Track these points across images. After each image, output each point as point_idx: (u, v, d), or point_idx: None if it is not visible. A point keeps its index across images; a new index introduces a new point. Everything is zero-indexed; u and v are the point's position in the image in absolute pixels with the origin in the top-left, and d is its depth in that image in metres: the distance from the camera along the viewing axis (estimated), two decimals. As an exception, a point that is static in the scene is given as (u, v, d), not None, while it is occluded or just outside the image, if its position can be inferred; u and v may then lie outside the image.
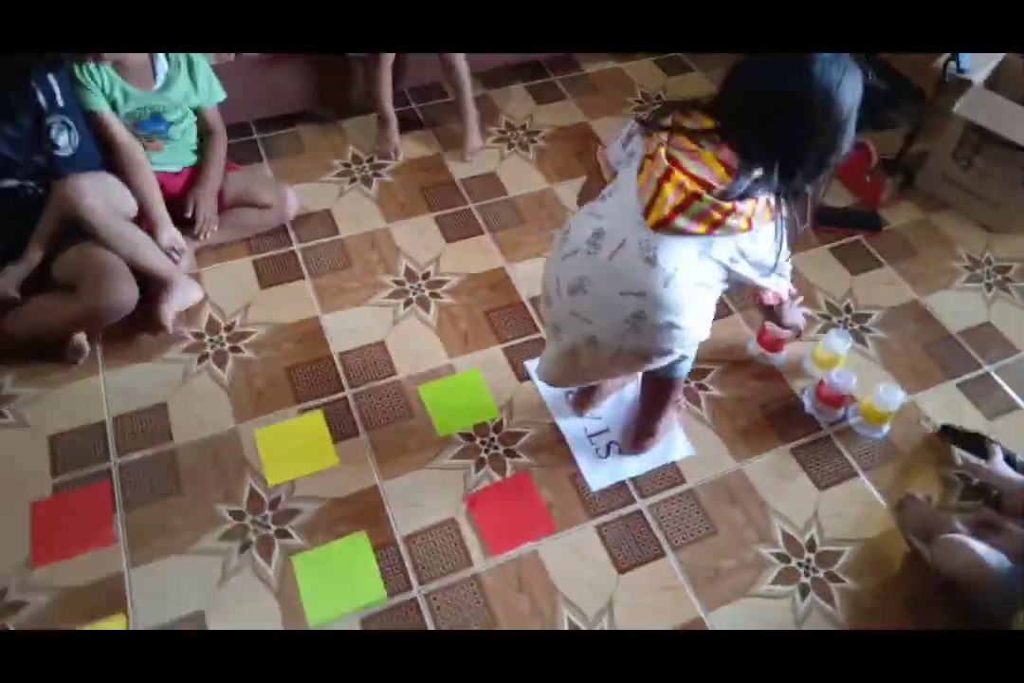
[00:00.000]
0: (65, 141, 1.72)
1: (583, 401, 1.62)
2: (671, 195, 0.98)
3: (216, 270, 1.94)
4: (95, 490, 1.49)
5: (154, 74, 1.80)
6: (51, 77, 1.65)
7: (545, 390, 1.70)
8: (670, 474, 1.56)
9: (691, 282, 1.04)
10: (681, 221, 0.99)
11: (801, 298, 1.36)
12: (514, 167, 2.27)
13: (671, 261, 1.03)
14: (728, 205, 0.97)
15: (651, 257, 1.03)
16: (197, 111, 1.92)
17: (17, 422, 1.60)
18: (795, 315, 1.33)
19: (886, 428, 1.63)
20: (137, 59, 1.76)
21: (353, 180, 2.20)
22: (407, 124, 2.35)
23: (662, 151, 1.00)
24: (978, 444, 1.53)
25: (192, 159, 1.95)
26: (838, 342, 1.68)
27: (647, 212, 1.02)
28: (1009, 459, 1.48)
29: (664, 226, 1.01)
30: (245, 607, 1.35)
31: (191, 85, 1.86)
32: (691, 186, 0.97)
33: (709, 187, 0.97)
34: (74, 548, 1.40)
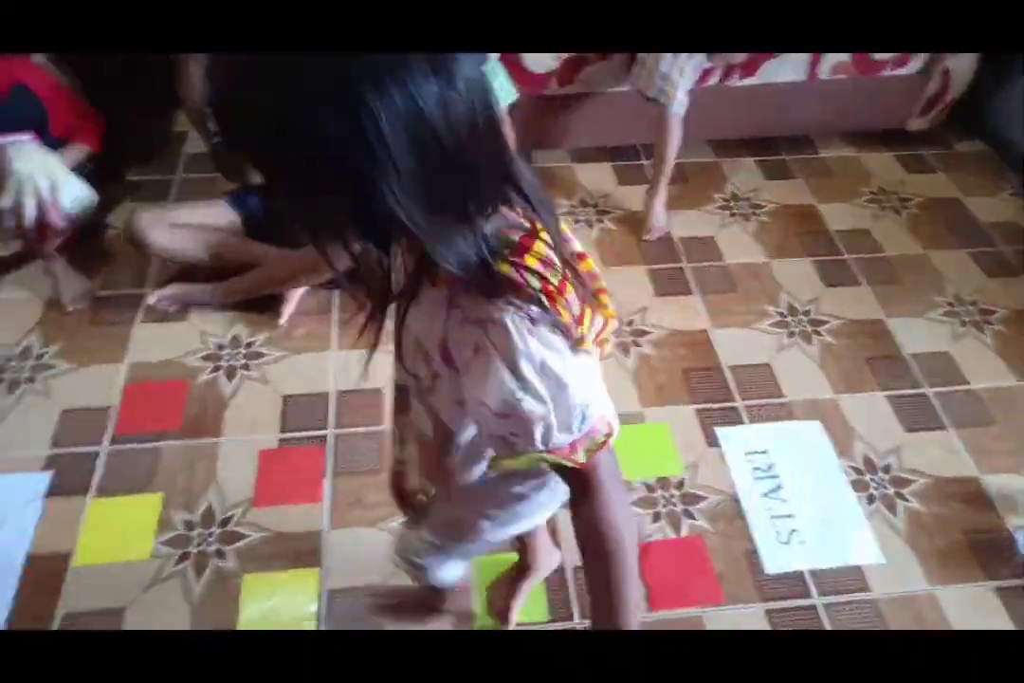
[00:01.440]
0: None
1: None
2: None
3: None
4: (312, 451, 1.66)
5: None
6: None
7: (732, 460, 1.72)
8: (854, 577, 1.52)
9: None
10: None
11: None
12: (732, 236, 2.32)
13: None
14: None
15: None
16: None
17: (261, 377, 1.81)
18: None
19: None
20: None
21: (578, 220, 2.32)
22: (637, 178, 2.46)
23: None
24: None
25: None
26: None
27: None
28: None
29: None
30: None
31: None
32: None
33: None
34: (287, 498, 1.56)
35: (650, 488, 1.66)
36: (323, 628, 1.39)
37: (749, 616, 1.46)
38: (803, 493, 1.65)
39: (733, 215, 2.39)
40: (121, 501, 1.55)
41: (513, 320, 0.60)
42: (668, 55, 2.05)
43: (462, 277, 0.59)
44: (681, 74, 2.07)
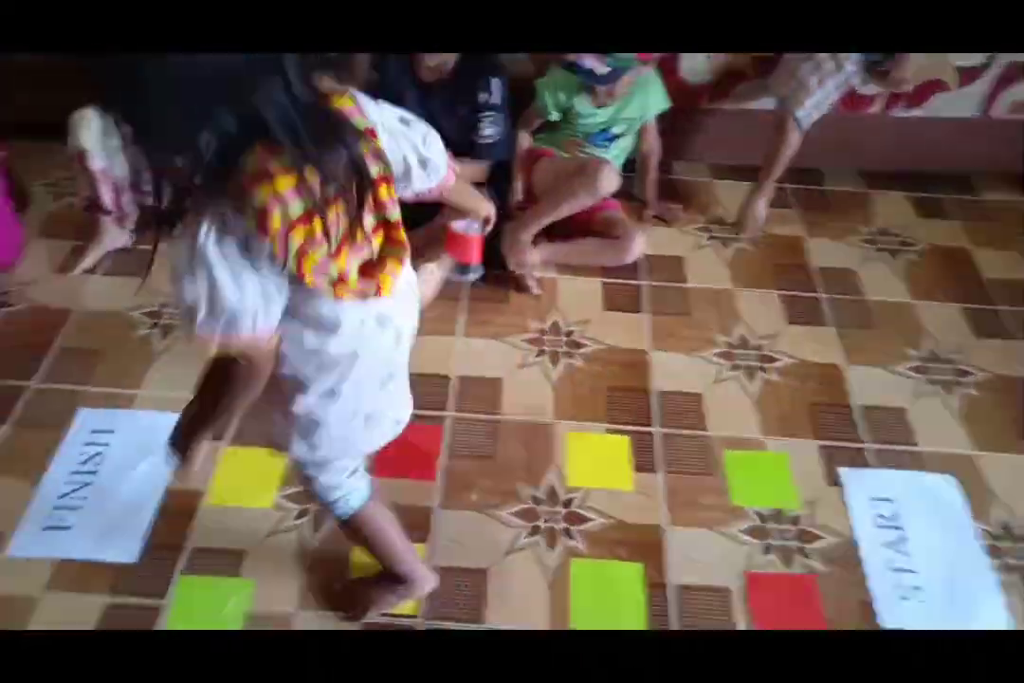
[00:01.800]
0: (489, 132, 1.96)
1: None
2: None
3: (570, 281, 2.09)
4: (430, 431, 1.67)
5: (613, 92, 1.98)
6: (494, 79, 1.91)
7: (855, 504, 1.63)
8: (976, 642, 1.42)
9: None
10: None
11: None
12: (876, 271, 2.22)
13: None
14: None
15: None
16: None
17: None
18: None
19: None
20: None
21: (712, 238, 2.27)
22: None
23: None
24: None
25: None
26: None
27: None
28: None
29: None
30: (520, 585, 1.44)
31: (644, 99, 2.03)
32: None
33: None
34: (403, 471, 1.59)
35: (762, 518, 1.60)
36: (425, 604, 1.39)
37: (858, 667, 1.37)
38: (930, 550, 1.55)
39: (879, 250, 2.28)
40: (252, 452, 1.61)
41: (209, 220, 0.74)
42: (810, 62, 1.98)
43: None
44: (819, 85, 2.00)
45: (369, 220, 0.85)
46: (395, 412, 1.11)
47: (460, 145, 1.98)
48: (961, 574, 1.52)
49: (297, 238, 0.76)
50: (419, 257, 1.92)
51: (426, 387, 1.77)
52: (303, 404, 0.96)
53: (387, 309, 0.93)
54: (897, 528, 1.59)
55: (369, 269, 0.88)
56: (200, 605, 1.37)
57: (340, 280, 0.84)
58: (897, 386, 1.89)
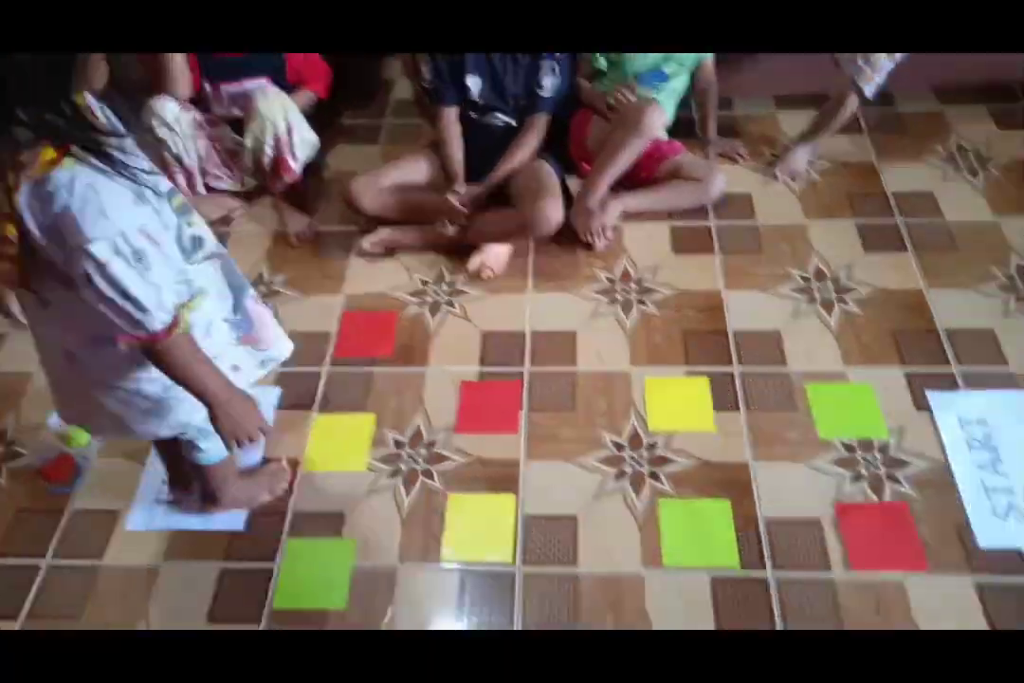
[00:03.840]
0: (549, 83, 1.95)
1: None
2: None
3: (637, 227, 2.09)
4: (509, 386, 1.73)
5: None
6: None
7: (945, 428, 1.61)
8: (1082, 560, 1.40)
9: None
10: None
11: None
12: (955, 192, 2.12)
13: None
14: None
15: None
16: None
17: (462, 314, 1.91)
18: None
19: None
20: None
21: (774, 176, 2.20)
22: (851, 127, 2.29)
23: None
24: None
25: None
26: None
27: None
28: None
29: None
30: (611, 527, 1.50)
31: None
32: None
33: None
34: (487, 427, 1.66)
35: (849, 448, 1.60)
36: (519, 550, 1.47)
37: (957, 586, 1.38)
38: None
39: (957, 169, 2.18)
40: (340, 418, 1.71)
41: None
42: None
43: None
44: (890, 59, 1.90)
45: None
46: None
47: (521, 99, 1.99)
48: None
49: None
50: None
51: (502, 344, 1.83)
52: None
53: None
54: (991, 449, 1.56)
55: None
56: (307, 565, 1.44)
57: None
58: (984, 307, 1.82)
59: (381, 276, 2.00)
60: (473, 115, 2.04)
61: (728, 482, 1.55)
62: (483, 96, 1.99)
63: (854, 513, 1.48)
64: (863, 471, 1.55)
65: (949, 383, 1.69)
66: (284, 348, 1.28)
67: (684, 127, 2.24)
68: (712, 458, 1.59)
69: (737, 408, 1.68)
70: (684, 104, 2.22)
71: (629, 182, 2.04)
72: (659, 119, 1.93)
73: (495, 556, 1.45)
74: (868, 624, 1.35)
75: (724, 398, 1.70)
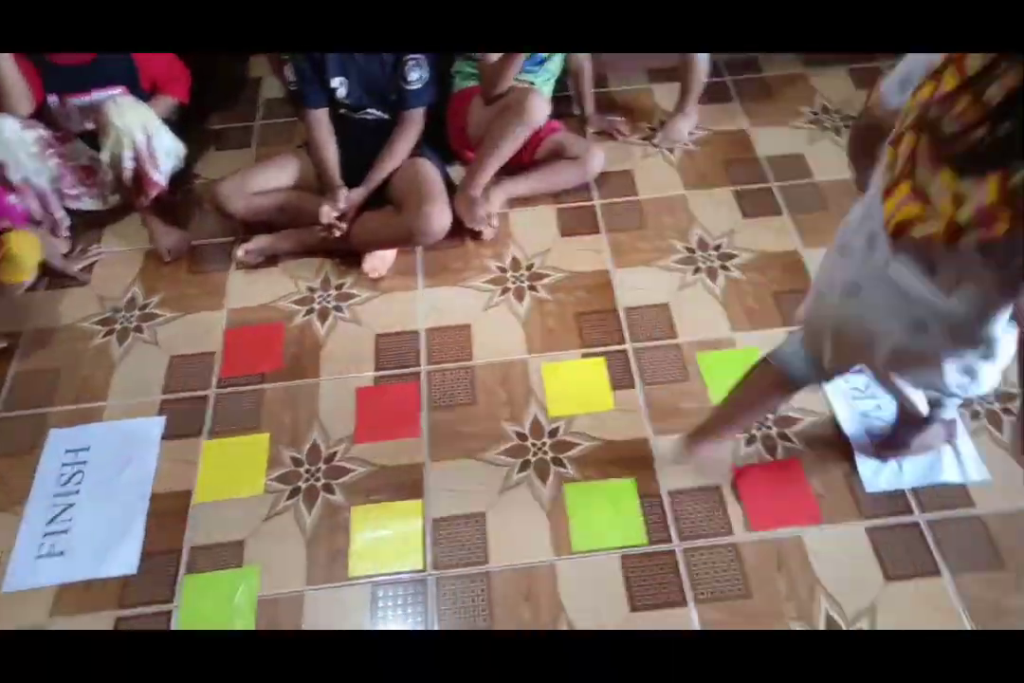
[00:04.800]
0: (415, 76, 1.91)
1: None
2: (897, 203, 0.80)
3: (523, 213, 2.08)
4: (407, 388, 1.71)
5: None
6: None
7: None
8: (958, 494, 1.49)
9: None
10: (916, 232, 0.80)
11: None
12: (823, 150, 2.19)
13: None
14: None
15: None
16: None
17: (353, 318, 1.86)
18: None
19: None
20: None
21: (656, 146, 2.23)
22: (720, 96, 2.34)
23: (910, 140, 0.78)
24: None
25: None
26: None
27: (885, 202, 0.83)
28: None
29: (899, 236, 0.83)
30: (519, 519, 1.50)
31: None
32: (914, 209, 0.78)
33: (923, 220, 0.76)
34: (387, 433, 1.63)
35: (744, 413, 1.63)
36: (429, 555, 1.45)
37: (850, 536, 1.45)
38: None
39: (824, 129, 2.25)
40: (232, 441, 1.64)
41: None
42: None
43: None
44: None
45: None
46: None
47: (391, 94, 1.94)
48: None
49: None
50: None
51: (397, 345, 1.79)
52: None
53: None
54: (872, 397, 1.63)
55: None
56: (209, 600, 1.39)
57: None
58: (857, 262, 1.89)
59: (264, 287, 1.93)
60: (344, 113, 1.98)
61: (631, 459, 1.57)
62: (351, 95, 1.93)
63: (750, 475, 1.53)
64: (756, 432, 1.60)
65: (829, 339, 1.75)
66: None
67: (561, 106, 2.24)
68: (614, 437, 1.61)
69: (633, 385, 1.70)
70: (560, 82, 2.21)
71: (510, 165, 2.02)
72: (544, 107, 1.92)
73: (405, 565, 1.44)
74: (771, 580, 1.39)
75: (620, 376, 1.71)
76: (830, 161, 2.15)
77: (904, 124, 0.80)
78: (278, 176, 1.97)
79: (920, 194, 0.77)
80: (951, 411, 1.27)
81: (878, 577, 1.39)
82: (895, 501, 1.49)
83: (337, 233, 1.87)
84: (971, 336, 0.92)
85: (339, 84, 1.92)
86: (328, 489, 1.56)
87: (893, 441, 1.50)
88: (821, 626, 1.34)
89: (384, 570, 1.44)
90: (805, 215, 2.03)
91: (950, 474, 1.51)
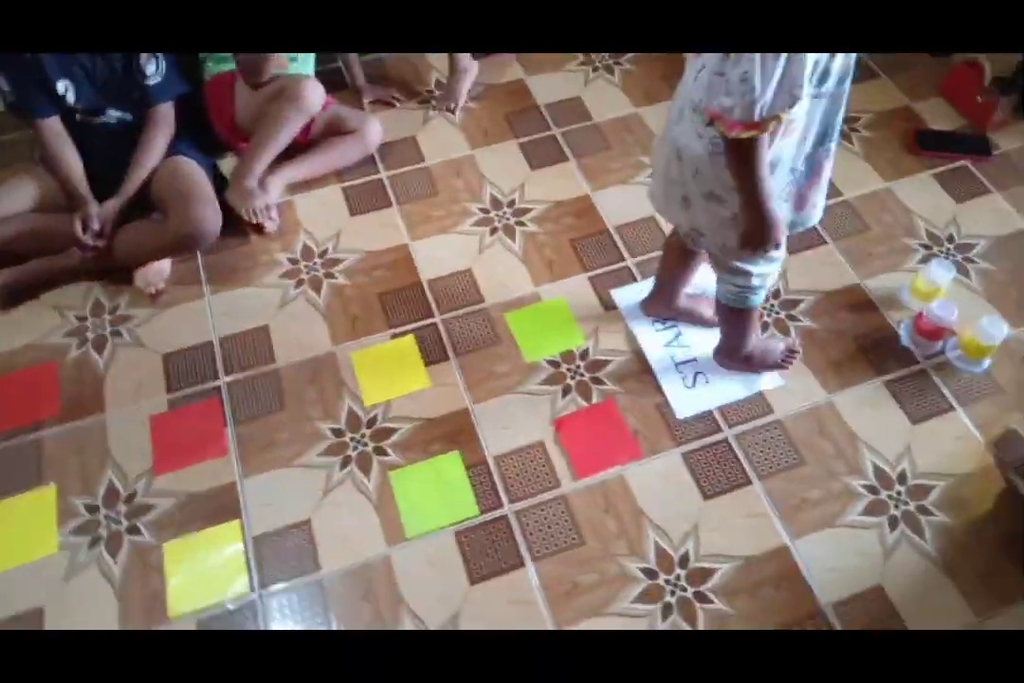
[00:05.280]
0: (152, 69, 1.75)
1: (654, 304, 1.64)
2: None
3: (307, 197, 1.97)
4: (207, 406, 1.59)
5: None
6: None
7: (631, 318, 1.70)
8: (758, 404, 1.56)
9: None
10: None
11: None
12: (599, 91, 2.20)
13: None
14: None
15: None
16: None
17: (133, 341, 1.71)
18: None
19: (987, 363, 1.57)
20: None
21: (436, 109, 2.17)
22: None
23: None
24: None
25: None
26: (940, 273, 1.61)
27: None
28: None
29: None
30: (348, 518, 1.44)
31: None
32: None
33: None
34: (191, 458, 1.51)
35: (555, 364, 1.64)
36: (255, 576, 1.37)
37: (669, 464, 1.49)
38: (701, 334, 1.65)
39: (596, 69, 2.26)
40: (12, 502, 1.47)
41: None
42: None
43: None
44: None
45: None
46: None
47: (131, 92, 1.76)
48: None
49: None
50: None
51: (189, 362, 1.67)
52: None
53: None
54: (672, 327, 1.67)
55: None
56: None
57: None
58: (641, 197, 1.91)
59: (25, 325, 1.74)
60: (81, 118, 1.78)
61: (454, 433, 1.55)
62: (82, 98, 1.73)
63: (569, 424, 1.54)
64: (570, 382, 1.60)
65: (626, 277, 1.78)
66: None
67: (332, 79, 2.12)
68: (433, 414, 1.57)
69: (447, 357, 1.66)
70: (327, 56, 2.11)
71: (287, 149, 1.90)
72: (319, 93, 1.82)
73: (230, 591, 1.35)
74: (602, 523, 1.41)
75: (432, 350, 1.67)
76: (606, 100, 2.16)
77: None
78: (14, 199, 1.76)
79: None
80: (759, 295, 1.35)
81: (697, 498, 1.44)
82: (705, 422, 1.54)
83: (94, 253, 1.70)
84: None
85: (65, 88, 1.72)
86: (133, 530, 1.43)
87: (725, 354, 1.56)
88: (652, 558, 1.38)
89: (208, 602, 1.35)
90: (590, 158, 2.03)
91: (753, 385, 1.57)
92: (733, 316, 1.43)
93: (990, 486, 1.44)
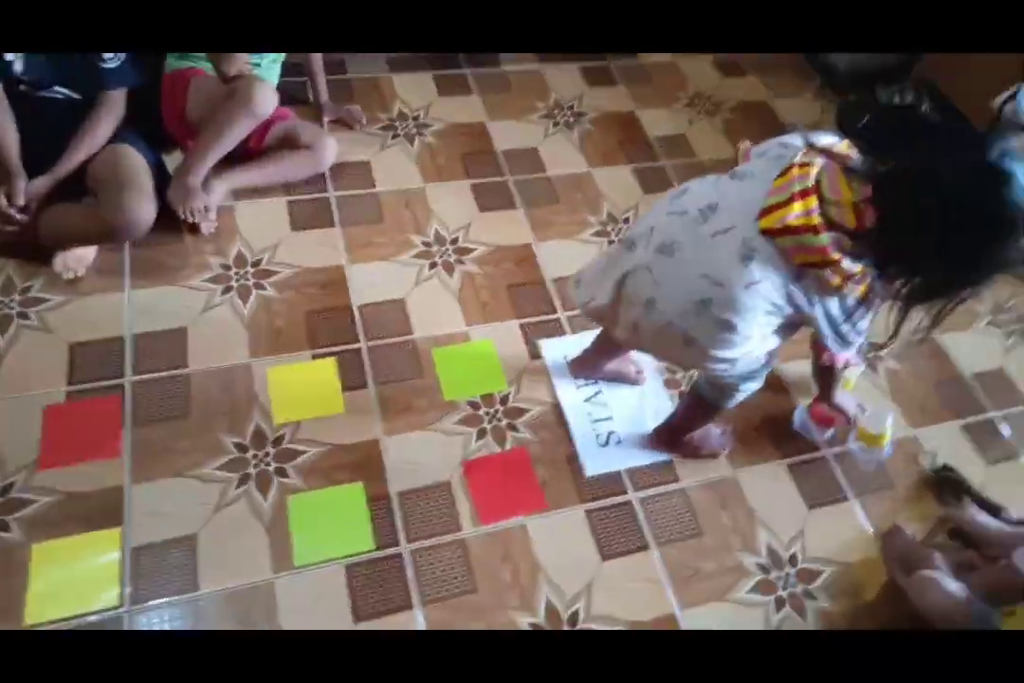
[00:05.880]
0: (110, 53, 1.71)
1: (583, 368, 1.67)
2: (795, 213, 0.95)
3: (251, 205, 1.94)
4: (106, 403, 1.52)
5: None
6: None
7: (555, 370, 1.73)
8: (666, 471, 1.61)
9: (767, 298, 1.04)
10: (787, 241, 0.98)
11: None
12: (557, 145, 2.28)
13: (762, 270, 1.01)
14: (836, 256, 0.95)
15: (747, 256, 1.01)
16: None
17: (41, 326, 1.62)
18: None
19: (884, 453, 1.67)
20: None
21: (396, 136, 2.19)
22: (460, 89, 2.35)
23: (815, 170, 0.97)
24: (962, 491, 1.59)
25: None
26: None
27: (764, 213, 0.99)
28: (991, 508, 1.54)
29: (771, 235, 0.99)
30: (236, 538, 1.39)
31: None
32: (816, 219, 0.95)
33: (830, 228, 0.95)
34: (80, 456, 1.43)
35: (474, 405, 1.65)
36: (128, 590, 1.30)
37: (572, 520, 1.51)
38: (620, 394, 1.70)
39: (556, 124, 2.33)
40: (68, 542, 1.36)
41: None
42: None
43: None
44: None
45: None
46: None
47: (84, 72, 1.69)
48: (646, 410, 1.68)
49: None
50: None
51: (96, 355, 1.59)
52: None
53: None
54: (594, 383, 1.72)
55: None
56: None
57: None
58: (580, 254, 1.98)
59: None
60: (25, 89, 1.70)
61: (360, 463, 1.52)
62: (31, 70, 1.66)
63: (479, 468, 1.54)
64: (486, 425, 1.61)
65: (556, 329, 1.82)
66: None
67: (295, 92, 2.11)
68: (342, 441, 1.55)
69: (365, 385, 1.64)
70: (293, 69, 2.08)
71: (236, 153, 1.87)
72: (271, 98, 1.79)
73: (97, 603, 1.27)
74: (496, 572, 1.42)
75: (352, 376, 1.65)
76: (561, 155, 2.24)
77: (804, 159, 1.00)
78: None
79: (808, 213, 0.96)
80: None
81: (595, 557, 1.47)
82: (612, 482, 1.58)
83: (14, 227, 1.61)
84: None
85: (15, 56, 1.65)
86: (2, 527, 1.33)
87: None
88: (541, 613, 1.38)
89: (70, 612, 1.26)
90: (537, 209, 2.09)
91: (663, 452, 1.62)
92: (702, 408, 1.43)
93: (874, 577, 1.53)
